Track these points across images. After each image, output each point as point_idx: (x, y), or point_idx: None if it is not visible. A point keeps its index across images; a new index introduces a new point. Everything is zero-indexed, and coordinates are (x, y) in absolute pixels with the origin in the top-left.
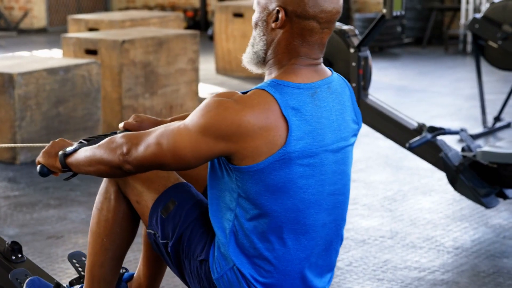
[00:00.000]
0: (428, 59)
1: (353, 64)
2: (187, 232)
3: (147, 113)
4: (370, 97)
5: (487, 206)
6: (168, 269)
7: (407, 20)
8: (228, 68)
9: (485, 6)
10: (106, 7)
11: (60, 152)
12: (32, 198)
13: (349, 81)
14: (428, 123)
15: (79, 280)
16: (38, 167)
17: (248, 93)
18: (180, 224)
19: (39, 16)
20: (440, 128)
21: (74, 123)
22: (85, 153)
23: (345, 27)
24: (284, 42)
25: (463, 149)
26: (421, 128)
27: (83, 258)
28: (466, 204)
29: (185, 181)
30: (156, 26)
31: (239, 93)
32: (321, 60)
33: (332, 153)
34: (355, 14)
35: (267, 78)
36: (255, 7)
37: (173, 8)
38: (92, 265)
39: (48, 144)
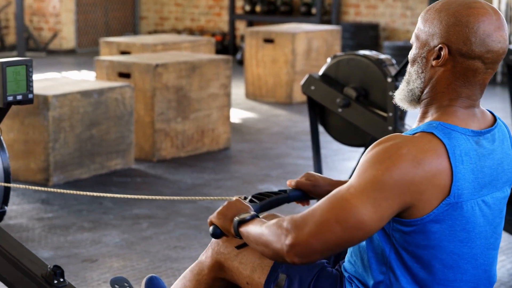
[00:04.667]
0: None
1: (390, 93)
2: None
3: (178, 138)
4: (406, 126)
5: None
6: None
7: None
8: (258, 93)
9: None
10: (134, 30)
11: (236, 219)
12: (66, 221)
13: (384, 110)
14: None
15: None
16: (211, 228)
17: (416, 136)
18: None
19: (68, 37)
20: None
21: (106, 146)
22: (255, 229)
23: (382, 56)
24: (444, 81)
25: None
26: None
27: (126, 284)
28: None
29: None
30: (188, 50)
31: (403, 135)
32: (479, 102)
33: (488, 205)
34: (385, 42)
35: (422, 118)
36: (413, 41)
37: (202, 32)
38: None
39: (224, 202)
